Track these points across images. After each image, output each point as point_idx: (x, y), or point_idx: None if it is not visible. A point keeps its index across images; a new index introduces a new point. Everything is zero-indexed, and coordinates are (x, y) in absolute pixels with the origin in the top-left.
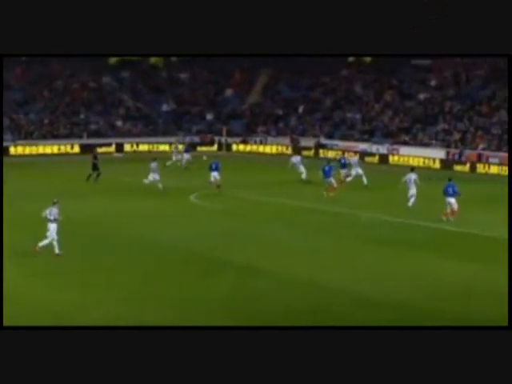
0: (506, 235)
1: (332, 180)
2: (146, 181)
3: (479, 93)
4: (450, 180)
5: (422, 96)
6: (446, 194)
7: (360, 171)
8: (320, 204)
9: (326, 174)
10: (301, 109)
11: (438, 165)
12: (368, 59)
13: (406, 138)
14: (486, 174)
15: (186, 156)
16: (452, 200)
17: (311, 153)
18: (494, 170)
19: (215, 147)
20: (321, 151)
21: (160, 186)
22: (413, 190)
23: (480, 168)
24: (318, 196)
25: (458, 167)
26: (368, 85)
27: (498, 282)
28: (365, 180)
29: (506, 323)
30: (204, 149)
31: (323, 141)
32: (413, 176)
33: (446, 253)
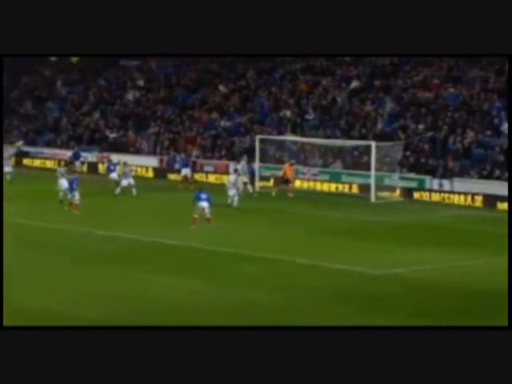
0: (224, 249)
1: (76, 194)
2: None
3: (191, 96)
4: (201, 189)
5: (131, 97)
6: (199, 199)
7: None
8: (25, 219)
9: (71, 186)
10: None
11: (151, 174)
12: (74, 59)
13: (115, 144)
14: (202, 182)
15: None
16: (205, 204)
17: (12, 161)
18: (210, 178)
19: None
20: (24, 160)
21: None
22: (233, 191)
23: (196, 177)
24: (24, 209)
25: (172, 176)
26: (72, 84)
27: (211, 297)
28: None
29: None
30: None
31: (25, 148)
32: (233, 177)
33: (157, 267)
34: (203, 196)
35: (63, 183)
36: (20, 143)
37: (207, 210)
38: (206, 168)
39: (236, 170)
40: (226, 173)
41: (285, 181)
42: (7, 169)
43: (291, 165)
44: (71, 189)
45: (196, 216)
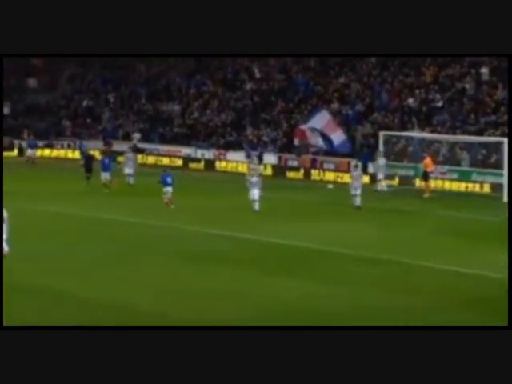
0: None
1: (108, 175)
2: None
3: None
4: (166, 172)
5: (248, 88)
6: (166, 183)
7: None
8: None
9: (106, 168)
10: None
11: (269, 171)
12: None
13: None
14: (322, 180)
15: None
16: (170, 189)
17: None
18: (329, 176)
19: (15, 152)
20: (139, 157)
21: None
22: (358, 190)
23: (315, 174)
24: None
25: (290, 174)
26: (189, 75)
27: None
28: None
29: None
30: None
31: (140, 144)
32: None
33: (271, 268)
34: (169, 180)
35: (255, 193)
36: (137, 138)
37: (169, 195)
38: (326, 165)
39: (356, 166)
40: (348, 171)
41: (425, 175)
42: (127, 170)
43: (432, 157)
44: (108, 169)
45: (166, 200)
